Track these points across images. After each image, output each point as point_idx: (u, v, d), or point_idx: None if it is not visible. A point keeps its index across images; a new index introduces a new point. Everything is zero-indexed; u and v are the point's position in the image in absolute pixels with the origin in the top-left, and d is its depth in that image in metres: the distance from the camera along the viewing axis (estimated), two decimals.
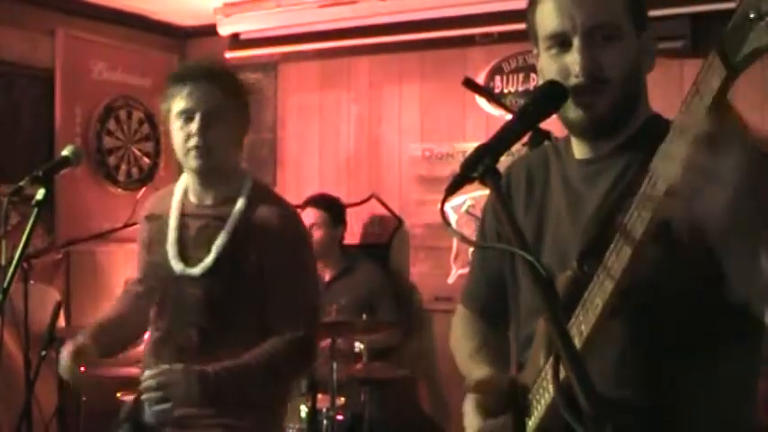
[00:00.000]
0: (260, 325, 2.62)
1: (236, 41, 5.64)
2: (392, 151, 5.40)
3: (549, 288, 1.26)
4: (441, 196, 1.44)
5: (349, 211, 5.20)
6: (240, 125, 2.72)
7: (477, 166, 1.42)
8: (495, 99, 4.09)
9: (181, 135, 2.60)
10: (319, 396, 4.12)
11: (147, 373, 2.47)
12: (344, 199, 5.21)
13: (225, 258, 2.61)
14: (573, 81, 1.66)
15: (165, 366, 2.48)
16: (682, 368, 1.64)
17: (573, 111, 1.69)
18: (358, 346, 4.34)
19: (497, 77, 5.04)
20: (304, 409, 4.05)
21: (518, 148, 1.71)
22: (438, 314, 5.20)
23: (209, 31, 5.64)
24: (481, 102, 4.93)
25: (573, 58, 1.66)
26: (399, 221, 5.33)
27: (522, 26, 5.50)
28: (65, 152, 2.51)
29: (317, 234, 4.89)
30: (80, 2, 5.29)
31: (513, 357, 1.96)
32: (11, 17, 4.94)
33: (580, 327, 1.52)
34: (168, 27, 5.93)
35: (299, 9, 5.33)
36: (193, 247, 2.66)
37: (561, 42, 1.70)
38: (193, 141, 2.58)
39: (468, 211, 5.01)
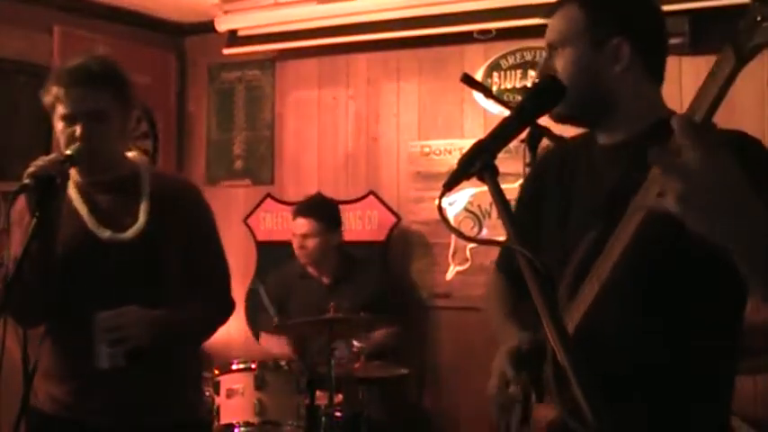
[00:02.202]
0: (181, 292, 2.69)
1: (234, 38, 5.63)
2: (390, 148, 5.40)
3: (546, 283, 1.27)
4: (439, 193, 1.44)
5: (347, 208, 5.20)
6: (124, 120, 2.69)
7: (475, 163, 1.43)
8: (493, 95, 4.08)
9: (63, 135, 2.59)
10: (317, 393, 4.12)
11: (103, 315, 2.51)
12: (343, 196, 5.21)
13: (153, 222, 2.64)
14: None
15: (127, 308, 2.53)
16: (670, 347, 1.88)
17: None
18: (356, 344, 4.33)
19: (495, 74, 5.04)
20: (303, 407, 4.04)
21: (516, 145, 1.76)
22: (436, 311, 5.21)
23: (207, 27, 5.63)
24: (479, 98, 4.93)
25: None
26: (397, 218, 5.33)
27: (519, 23, 5.46)
28: (68, 151, 2.50)
29: (310, 243, 4.82)
30: None
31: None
32: (8, 14, 4.93)
33: (600, 274, 1.75)
34: (166, 24, 5.92)
35: (296, 6, 5.33)
36: (112, 216, 2.65)
37: None
38: (77, 146, 2.56)
39: (466, 208, 5.01)
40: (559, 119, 2.06)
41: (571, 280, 1.90)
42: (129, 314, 2.54)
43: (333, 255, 4.91)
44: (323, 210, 4.92)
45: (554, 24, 2.05)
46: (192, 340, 2.87)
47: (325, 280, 4.92)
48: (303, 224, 4.84)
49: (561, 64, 2.00)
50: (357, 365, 4.28)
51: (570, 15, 2.02)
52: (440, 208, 1.47)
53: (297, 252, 4.91)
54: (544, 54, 2.07)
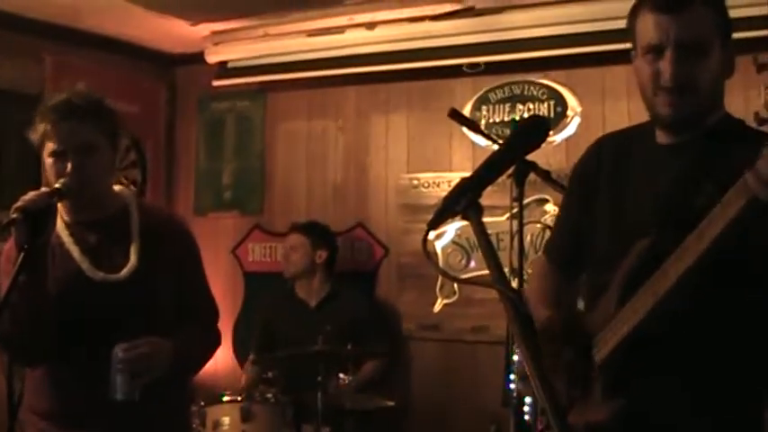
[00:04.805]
0: (172, 325, 2.69)
1: (224, 69, 5.66)
2: (379, 180, 5.41)
3: (527, 325, 1.28)
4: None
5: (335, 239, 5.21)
6: (112, 153, 2.69)
7: (460, 201, 1.44)
8: (480, 130, 4.10)
9: (53, 171, 2.57)
10: (305, 426, 4.10)
11: (124, 345, 2.49)
12: (331, 227, 5.21)
13: (144, 261, 2.65)
14: (662, 84, 1.96)
15: (149, 339, 2.53)
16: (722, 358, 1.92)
17: (662, 108, 1.99)
18: (342, 377, 4.32)
19: (484, 107, 5.07)
20: None
21: (503, 180, 1.75)
22: (423, 343, 5.20)
23: (198, 58, 5.65)
24: (468, 131, 4.95)
25: (665, 66, 1.94)
26: (386, 250, 5.33)
27: (508, 57, 5.47)
28: (57, 185, 2.50)
29: (295, 256, 5.02)
30: (69, 29, 5.30)
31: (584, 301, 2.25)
32: None
33: (656, 289, 1.80)
34: (157, 54, 5.94)
35: (286, 38, 5.35)
36: (103, 256, 2.65)
37: (657, 51, 1.96)
38: (66, 179, 2.54)
39: (454, 240, 5.01)
40: (680, 123, 2.01)
41: (620, 287, 1.94)
42: (153, 345, 2.54)
43: (320, 275, 5.02)
44: (313, 228, 5.10)
45: (690, 24, 1.95)
46: (191, 371, 2.90)
47: (313, 302, 5.00)
48: (292, 238, 5.07)
49: (705, 68, 1.95)
50: (344, 398, 4.26)
51: (705, 17, 1.96)
52: (424, 245, 1.47)
53: (283, 266, 5.12)
54: (669, 53, 1.95)
